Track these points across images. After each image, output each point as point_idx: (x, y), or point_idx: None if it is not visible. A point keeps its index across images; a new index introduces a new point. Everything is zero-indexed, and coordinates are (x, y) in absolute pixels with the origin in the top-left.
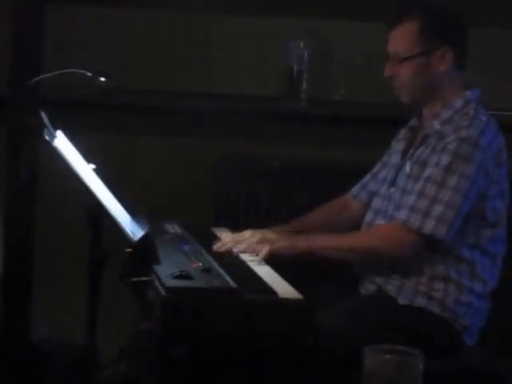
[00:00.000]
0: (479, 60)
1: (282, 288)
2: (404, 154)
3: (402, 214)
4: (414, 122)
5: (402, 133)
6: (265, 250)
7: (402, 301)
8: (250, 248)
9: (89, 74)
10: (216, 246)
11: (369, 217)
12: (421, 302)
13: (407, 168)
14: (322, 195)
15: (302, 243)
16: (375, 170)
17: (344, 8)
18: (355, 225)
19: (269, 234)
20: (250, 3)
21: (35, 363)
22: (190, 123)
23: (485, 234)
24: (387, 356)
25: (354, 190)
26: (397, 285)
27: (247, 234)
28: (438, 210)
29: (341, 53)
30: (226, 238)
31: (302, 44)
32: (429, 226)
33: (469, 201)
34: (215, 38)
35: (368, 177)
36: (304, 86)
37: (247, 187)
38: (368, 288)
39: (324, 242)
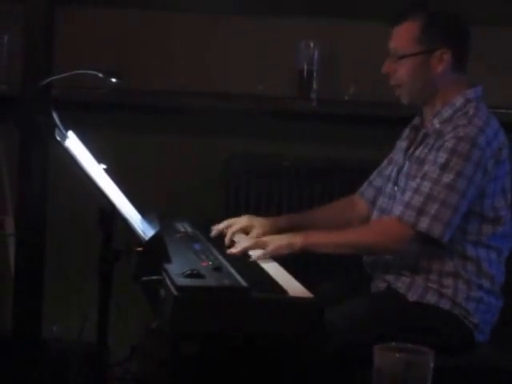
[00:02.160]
0: (482, 58)
1: (293, 287)
2: (406, 152)
3: (398, 210)
4: (417, 120)
5: (406, 132)
6: (262, 253)
7: (411, 297)
8: (245, 252)
9: (100, 75)
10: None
11: (375, 215)
12: (431, 299)
13: (406, 168)
14: (333, 194)
15: (298, 241)
16: (381, 167)
17: (354, 8)
18: (362, 222)
19: (264, 237)
20: (261, 4)
21: (47, 362)
22: (202, 123)
23: (486, 230)
24: (397, 355)
25: (361, 188)
26: (407, 282)
27: (266, 238)
28: (433, 208)
29: (351, 53)
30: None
31: (312, 44)
32: (424, 224)
33: (467, 200)
34: (226, 39)
35: (374, 174)
36: (314, 86)
37: (258, 186)
38: (378, 286)
39: (319, 239)
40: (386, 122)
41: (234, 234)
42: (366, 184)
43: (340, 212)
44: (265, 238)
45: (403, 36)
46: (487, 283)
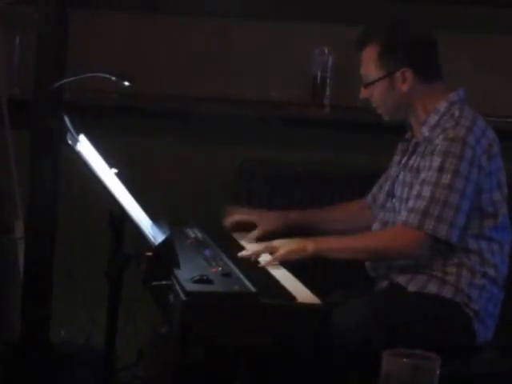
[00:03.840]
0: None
1: (302, 293)
2: (399, 164)
3: (402, 217)
4: (408, 134)
5: (399, 146)
6: (272, 257)
7: (411, 288)
8: (256, 255)
9: (113, 79)
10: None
11: (376, 227)
12: (432, 288)
13: (400, 177)
14: (345, 200)
15: (310, 246)
16: (381, 182)
17: (368, 15)
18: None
19: (274, 241)
20: (275, 9)
21: (54, 365)
22: (214, 128)
23: (486, 223)
24: (404, 360)
25: (368, 200)
26: (408, 275)
27: (277, 242)
28: (436, 209)
29: None
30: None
31: (326, 50)
32: (430, 226)
33: (467, 198)
34: (239, 44)
35: (376, 189)
36: (327, 92)
37: (270, 192)
38: (381, 284)
39: (332, 244)
40: (399, 129)
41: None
42: (371, 198)
43: (351, 214)
44: (275, 243)
45: (366, 63)
46: (491, 272)
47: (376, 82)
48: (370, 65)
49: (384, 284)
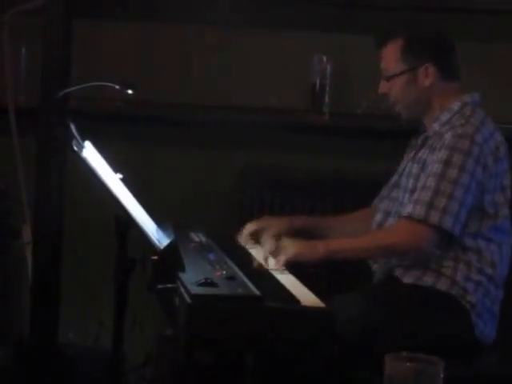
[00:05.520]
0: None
1: (305, 296)
2: (409, 157)
3: (408, 209)
4: (422, 130)
5: (412, 142)
6: (282, 259)
7: (406, 280)
8: (265, 257)
9: (117, 87)
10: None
11: (378, 218)
12: (428, 280)
13: (407, 169)
14: (345, 206)
15: (322, 248)
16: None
17: (366, 23)
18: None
19: (284, 241)
20: (275, 18)
21: (62, 368)
22: (216, 135)
23: (486, 223)
24: (408, 364)
25: (374, 201)
26: (405, 268)
27: (286, 242)
28: (442, 201)
29: (363, 67)
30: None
31: (324, 58)
32: (436, 218)
33: (470, 194)
34: (240, 52)
35: (385, 189)
36: (326, 99)
37: (271, 198)
38: (379, 277)
39: (342, 245)
40: (398, 135)
41: (249, 234)
42: (377, 198)
43: (354, 223)
44: (285, 243)
45: (388, 57)
46: (489, 270)
47: (399, 75)
48: (391, 60)
49: (381, 276)
